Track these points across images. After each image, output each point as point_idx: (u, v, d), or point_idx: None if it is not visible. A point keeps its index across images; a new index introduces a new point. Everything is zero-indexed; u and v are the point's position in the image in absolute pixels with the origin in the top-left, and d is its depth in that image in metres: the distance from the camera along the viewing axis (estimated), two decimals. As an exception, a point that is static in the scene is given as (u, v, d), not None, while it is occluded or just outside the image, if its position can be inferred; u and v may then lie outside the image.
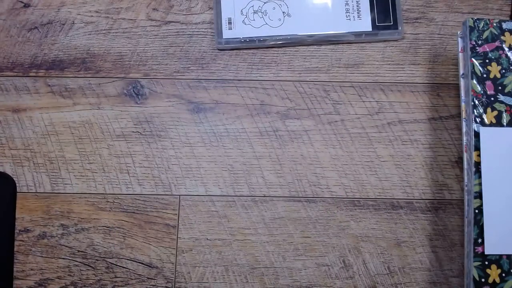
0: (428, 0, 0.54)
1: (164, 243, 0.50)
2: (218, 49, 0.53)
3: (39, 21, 0.54)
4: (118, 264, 0.50)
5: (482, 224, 0.44)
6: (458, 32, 0.49)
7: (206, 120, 0.52)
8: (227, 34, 0.52)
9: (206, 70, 0.53)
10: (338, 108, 0.52)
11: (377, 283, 0.49)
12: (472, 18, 0.47)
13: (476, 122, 0.46)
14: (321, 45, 0.53)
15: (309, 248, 0.50)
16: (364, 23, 0.52)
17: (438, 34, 0.53)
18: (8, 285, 0.49)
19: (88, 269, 0.50)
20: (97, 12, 0.54)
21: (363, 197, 0.51)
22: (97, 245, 0.50)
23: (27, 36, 0.53)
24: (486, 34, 0.47)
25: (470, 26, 0.47)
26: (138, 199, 0.51)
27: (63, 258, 0.50)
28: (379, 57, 0.53)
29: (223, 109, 0.52)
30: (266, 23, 0.52)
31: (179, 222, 0.50)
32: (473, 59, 0.46)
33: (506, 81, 0.46)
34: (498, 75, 0.46)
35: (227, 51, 0.53)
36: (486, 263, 0.44)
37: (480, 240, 0.44)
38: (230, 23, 0.52)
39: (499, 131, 0.45)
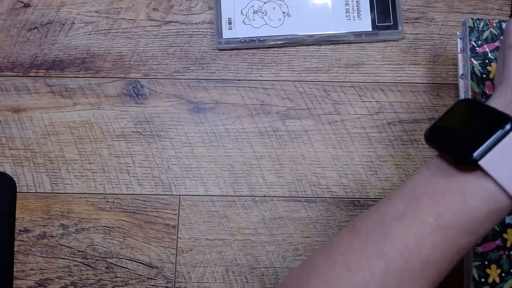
0: (428, 0, 0.54)
1: (164, 243, 0.50)
2: (218, 49, 0.53)
3: (39, 21, 0.53)
4: (118, 264, 0.50)
5: (482, 224, 0.44)
6: (458, 33, 0.49)
7: (206, 120, 0.52)
8: (227, 34, 0.52)
9: (206, 70, 0.53)
10: (338, 108, 0.52)
11: (377, 283, 0.49)
12: (472, 19, 0.47)
13: (476, 122, 0.46)
14: (321, 45, 0.53)
15: (309, 248, 0.50)
16: (364, 23, 0.52)
17: (438, 34, 0.53)
18: (8, 285, 0.49)
19: (88, 269, 0.50)
20: (97, 12, 0.54)
21: (363, 197, 0.51)
22: (97, 245, 0.50)
23: (27, 36, 0.53)
24: (486, 34, 0.47)
25: (469, 27, 0.47)
26: (138, 199, 0.51)
27: (63, 258, 0.50)
28: (379, 57, 0.53)
29: (223, 109, 0.52)
30: (266, 23, 0.52)
31: (179, 222, 0.50)
32: (472, 59, 0.47)
33: (506, 81, 0.46)
34: (498, 75, 0.46)
35: (227, 51, 0.53)
36: (486, 263, 0.44)
37: (480, 240, 0.44)
38: (230, 23, 0.52)
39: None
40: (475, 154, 0.29)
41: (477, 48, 0.47)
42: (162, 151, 0.51)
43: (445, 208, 0.30)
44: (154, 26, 0.54)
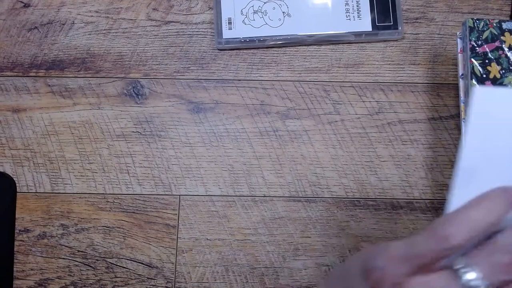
0: (428, 0, 0.54)
1: (164, 243, 0.50)
2: (218, 49, 0.53)
3: (39, 21, 0.54)
4: (118, 264, 0.50)
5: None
6: (458, 33, 0.49)
7: (206, 120, 0.52)
8: (227, 34, 0.52)
9: (206, 70, 0.53)
10: (338, 108, 0.52)
11: (377, 283, 0.49)
12: (472, 19, 0.47)
13: (476, 122, 0.45)
14: (321, 45, 0.53)
15: (309, 248, 0.50)
16: (364, 23, 0.52)
17: (438, 34, 0.53)
18: (8, 285, 0.49)
19: (88, 269, 0.50)
20: (97, 12, 0.54)
21: (363, 197, 0.51)
22: (97, 245, 0.50)
23: (27, 36, 0.53)
24: (486, 34, 0.47)
25: (470, 27, 0.47)
26: (138, 199, 0.51)
27: (63, 258, 0.50)
28: (379, 57, 0.53)
29: (223, 109, 0.52)
30: (266, 23, 0.52)
31: (179, 222, 0.50)
32: (472, 59, 0.47)
33: (505, 81, 0.46)
34: (498, 76, 0.46)
35: (227, 51, 0.53)
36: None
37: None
38: (230, 23, 0.52)
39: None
40: None
41: (477, 48, 0.47)
42: (162, 151, 0.51)
43: None
44: (154, 26, 0.54)
